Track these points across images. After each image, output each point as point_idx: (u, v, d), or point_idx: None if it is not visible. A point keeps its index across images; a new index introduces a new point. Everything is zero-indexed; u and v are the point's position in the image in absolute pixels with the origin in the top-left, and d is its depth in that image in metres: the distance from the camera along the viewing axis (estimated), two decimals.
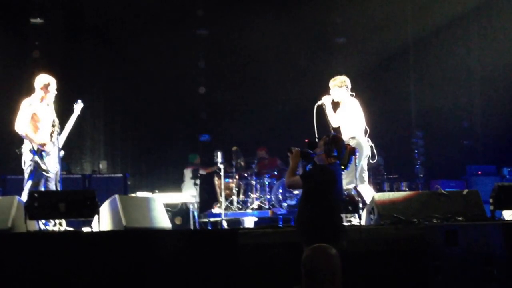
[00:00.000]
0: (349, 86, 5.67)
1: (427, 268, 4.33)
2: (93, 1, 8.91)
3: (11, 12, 8.79)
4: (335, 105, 5.71)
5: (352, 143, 5.29)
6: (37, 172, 5.15)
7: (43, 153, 5.17)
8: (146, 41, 9.16)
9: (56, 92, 5.38)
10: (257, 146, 8.51)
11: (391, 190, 8.28)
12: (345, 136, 5.49)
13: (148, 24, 9.11)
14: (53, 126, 5.29)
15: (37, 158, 5.13)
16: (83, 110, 5.65)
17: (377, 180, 8.58)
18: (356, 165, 5.33)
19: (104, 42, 9.21)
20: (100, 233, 4.50)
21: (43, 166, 5.14)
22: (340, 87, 5.61)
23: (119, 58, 9.24)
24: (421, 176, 9.02)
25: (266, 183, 7.68)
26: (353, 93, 5.68)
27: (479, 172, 8.65)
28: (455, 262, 4.32)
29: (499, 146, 9.09)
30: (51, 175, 5.24)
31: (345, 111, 5.62)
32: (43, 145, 5.18)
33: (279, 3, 9.23)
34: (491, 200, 4.93)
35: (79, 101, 5.62)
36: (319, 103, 5.57)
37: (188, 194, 8.14)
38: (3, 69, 8.15)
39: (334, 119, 5.64)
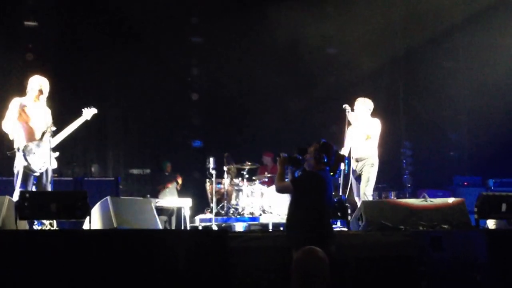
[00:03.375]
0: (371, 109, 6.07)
1: (413, 273, 4.43)
2: (87, 5, 8.95)
3: (5, 14, 8.79)
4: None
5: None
6: (25, 171, 5.17)
7: (28, 152, 5.19)
8: (140, 47, 9.21)
9: (47, 94, 5.40)
10: (250, 153, 8.58)
11: (379, 198, 8.39)
12: (362, 148, 5.89)
13: (143, 30, 9.17)
14: (47, 126, 5.33)
15: (24, 156, 5.16)
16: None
17: None
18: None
19: (98, 46, 9.23)
20: (90, 232, 4.50)
21: (29, 166, 5.17)
22: (364, 105, 6.04)
23: (112, 63, 9.26)
24: (409, 185, 9.14)
25: (257, 189, 7.73)
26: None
27: (465, 183, 8.80)
28: (440, 267, 4.42)
29: (485, 158, 9.26)
30: (38, 174, 5.27)
31: (369, 128, 6.04)
32: (28, 143, 5.22)
33: (272, 12, 9.34)
34: (475, 209, 5.03)
35: (93, 107, 5.55)
36: (345, 107, 5.97)
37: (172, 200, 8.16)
38: None
39: (356, 126, 5.98)
